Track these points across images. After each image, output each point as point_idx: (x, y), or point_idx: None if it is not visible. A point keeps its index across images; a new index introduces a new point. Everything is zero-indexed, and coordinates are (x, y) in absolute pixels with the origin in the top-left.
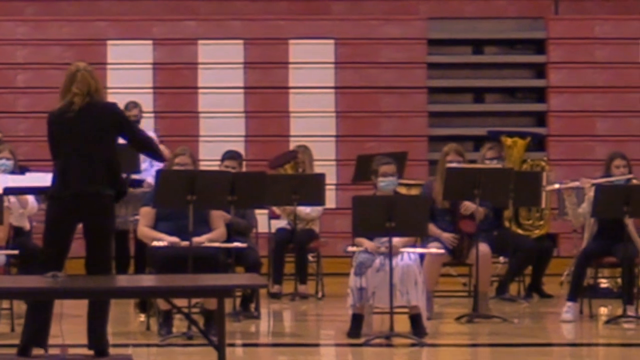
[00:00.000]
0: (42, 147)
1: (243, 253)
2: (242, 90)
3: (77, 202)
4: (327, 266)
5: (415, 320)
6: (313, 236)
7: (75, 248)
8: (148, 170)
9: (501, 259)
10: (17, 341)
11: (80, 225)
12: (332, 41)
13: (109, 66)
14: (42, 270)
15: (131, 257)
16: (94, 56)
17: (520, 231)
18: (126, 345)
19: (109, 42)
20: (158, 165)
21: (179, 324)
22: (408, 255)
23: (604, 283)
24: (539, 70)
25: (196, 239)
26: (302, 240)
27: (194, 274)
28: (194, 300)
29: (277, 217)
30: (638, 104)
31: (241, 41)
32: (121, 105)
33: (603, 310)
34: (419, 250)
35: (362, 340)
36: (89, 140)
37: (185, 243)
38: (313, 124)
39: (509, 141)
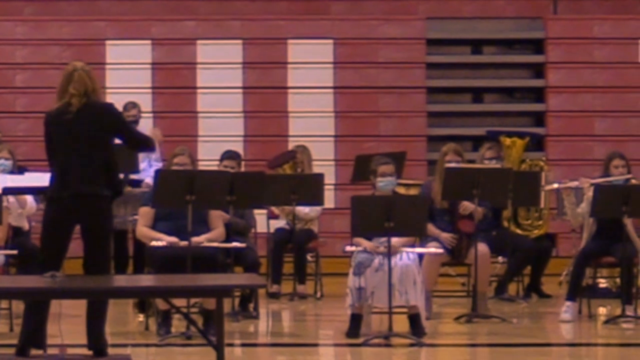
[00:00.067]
0: (41, 147)
1: (242, 253)
2: (241, 90)
3: (75, 203)
4: (326, 266)
5: (414, 320)
6: (312, 236)
7: (74, 248)
8: (147, 170)
9: (500, 259)
10: (16, 341)
11: (78, 226)
12: (331, 41)
13: (107, 66)
14: (40, 271)
15: (130, 257)
16: (93, 56)
17: (519, 231)
18: (125, 345)
19: (108, 42)
20: (157, 165)
21: (177, 324)
22: (407, 255)
23: (602, 283)
24: (538, 70)
25: (195, 239)
26: (300, 240)
27: (192, 273)
28: (192, 300)
29: (275, 217)
30: (637, 104)
31: (240, 41)
32: (120, 106)
33: (602, 310)
34: (418, 250)
35: (360, 340)
36: (87, 141)
37: (184, 243)
38: (312, 124)
39: (507, 141)
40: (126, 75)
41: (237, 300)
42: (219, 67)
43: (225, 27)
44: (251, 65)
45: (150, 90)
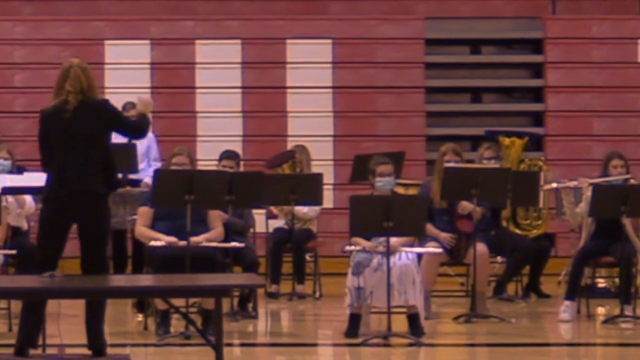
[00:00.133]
0: None
1: (241, 253)
2: (239, 90)
3: (73, 201)
4: (325, 266)
5: (413, 320)
6: (310, 236)
7: (72, 248)
8: (146, 170)
9: (499, 258)
10: (14, 341)
11: (75, 226)
12: (329, 41)
13: (106, 66)
14: (37, 271)
15: (129, 257)
16: (91, 56)
17: (517, 231)
18: (124, 345)
19: (107, 42)
20: (156, 164)
21: (176, 324)
22: (406, 254)
23: (601, 283)
24: (537, 70)
25: (194, 239)
26: (299, 240)
27: (191, 273)
28: (191, 300)
29: (274, 216)
30: (636, 104)
31: (239, 41)
32: (119, 106)
33: (601, 310)
34: (417, 249)
35: (359, 340)
36: (85, 139)
37: (182, 243)
38: (311, 124)
39: (506, 141)
40: (125, 75)
41: (236, 300)
42: (218, 67)
43: (224, 27)
44: (250, 65)
45: (149, 90)
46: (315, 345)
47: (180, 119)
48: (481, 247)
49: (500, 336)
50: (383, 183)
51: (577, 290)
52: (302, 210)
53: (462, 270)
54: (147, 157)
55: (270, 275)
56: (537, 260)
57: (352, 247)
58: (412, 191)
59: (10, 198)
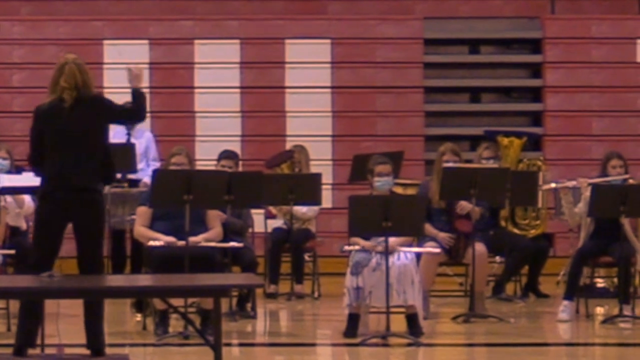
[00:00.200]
0: None
1: (239, 253)
2: (238, 90)
3: (70, 198)
4: (324, 266)
5: (412, 319)
6: (309, 236)
7: (71, 248)
8: (145, 169)
9: (497, 258)
10: (13, 341)
11: (70, 226)
12: (328, 41)
13: (105, 66)
14: (34, 271)
15: (127, 257)
16: (90, 56)
17: (516, 231)
18: (123, 345)
19: (106, 41)
20: (154, 164)
21: (175, 324)
22: (404, 254)
23: (600, 283)
24: (535, 70)
25: (192, 239)
26: (298, 240)
27: (190, 273)
28: (190, 300)
29: (273, 216)
30: (635, 104)
31: (237, 41)
32: None
33: (599, 310)
34: (416, 249)
35: (358, 340)
36: (81, 137)
37: (181, 243)
38: (309, 124)
39: (505, 141)
40: (123, 75)
41: (234, 300)
42: (217, 67)
43: (222, 27)
44: (249, 65)
45: (147, 90)
46: (314, 345)
47: (179, 119)
48: (480, 247)
49: (499, 336)
50: (381, 183)
51: (575, 290)
52: (300, 210)
53: (461, 270)
54: (146, 157)
55: (268, 275)
56: (536, 260)
57: (351, 247)
58: (410, 191)
59: (9, 198)
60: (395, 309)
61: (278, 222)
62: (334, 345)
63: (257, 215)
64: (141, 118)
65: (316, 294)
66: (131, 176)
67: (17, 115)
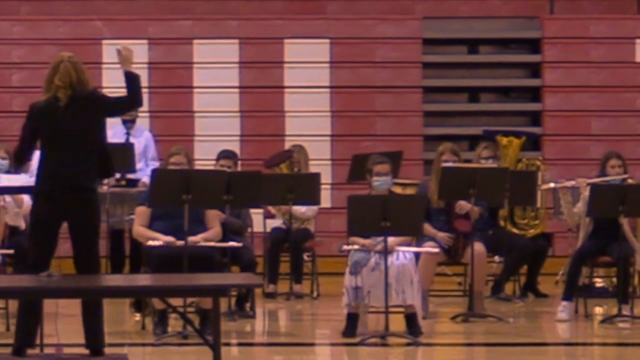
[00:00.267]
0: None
1: (238, 252)
2: (237, 90)
3: (65, 198)
4: (323, 265)
5: (411, 319)
6: (308, 235)
7: (70, 247)
8: (144, 169)
9: (496, 258)
10: (12, 340)
11: (65, 226)
12: (327, 41)
13: (104, 66)
14: (31, 271)
15: (126, 257)
16: (89, 56)
17: (515, 230)
18: (122, 345)
19: (105, 41)
20: (153, 164)
21: (174, 324)
22: (403, 254)
23: (599, 282)
24: (534, 70)
25: (191, 239)
26: (297, 240)
27: (189, 273)
28: (189, 300)
29: (272, 216)
30: (633, 104)
31: (236, 41)
32: None
33: (598, 310)
34: (414, 249)
35: (357, 339)
36: (78, 135)
37: (180, 242)
38: (308, 124)
39: (504, 140)
40: (122, 75)
41: (233, 300)
42: (216, 67)
43: (221, 27)
44: (247, 65)
45: (146, 90)
46: (312, 344)
47: (178, 119)
48: (479, 247)
49: (498, 336)
50: (380, 182)
51: (574, 290)
52: (299, 209)
53: (460, 269)
54: (145, 156)
55: (267, 274)
56: (535, 259)
57: (350, 247)
58: (409, 191)
59: (7, 197)
60: (394, 308)
61: (277, 222)
62: (332, 345)
63: (256, 215)
64: (139, 103)
65: (315, 294)
66: (130, 176)
67: (16, 115)
